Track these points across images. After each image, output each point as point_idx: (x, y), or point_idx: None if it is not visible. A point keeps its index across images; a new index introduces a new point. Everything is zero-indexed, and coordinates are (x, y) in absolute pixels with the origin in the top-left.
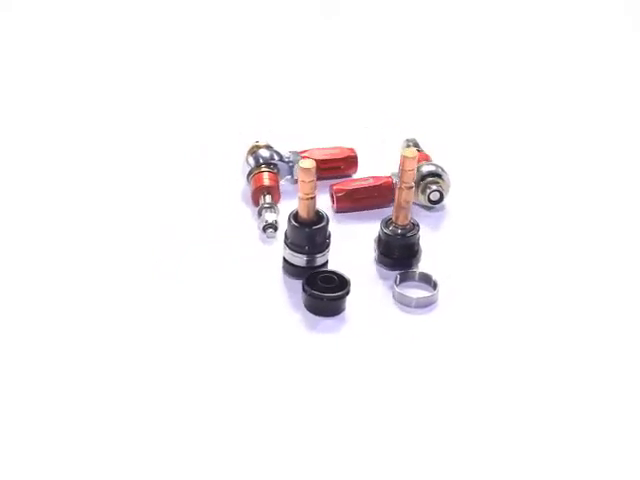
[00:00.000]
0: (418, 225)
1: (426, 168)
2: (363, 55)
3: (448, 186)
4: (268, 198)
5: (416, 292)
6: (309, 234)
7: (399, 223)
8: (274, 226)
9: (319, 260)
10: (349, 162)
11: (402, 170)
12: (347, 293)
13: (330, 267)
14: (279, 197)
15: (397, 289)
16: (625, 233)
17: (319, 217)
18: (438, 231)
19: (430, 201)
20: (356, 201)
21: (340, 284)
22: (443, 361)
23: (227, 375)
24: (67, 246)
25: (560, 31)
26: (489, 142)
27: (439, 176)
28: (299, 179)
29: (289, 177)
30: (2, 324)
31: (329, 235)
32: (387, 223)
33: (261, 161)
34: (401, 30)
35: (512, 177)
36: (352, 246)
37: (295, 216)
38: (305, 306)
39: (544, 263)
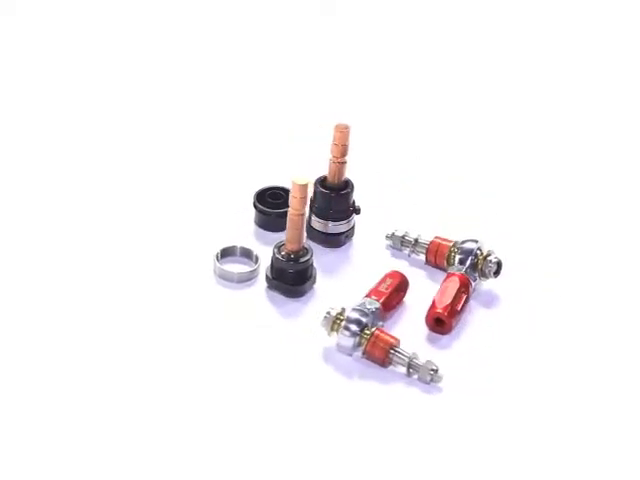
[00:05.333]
0: (311, 250)
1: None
2: (364, 55)
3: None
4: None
5: (238, 267)
6: (334, 199)
7: (290, 249)
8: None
9: (342, 227)
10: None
11: (292, 197)
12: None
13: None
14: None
15: (218, 264)
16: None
17: (345, 184)
18: None
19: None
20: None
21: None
22: (265, 332)
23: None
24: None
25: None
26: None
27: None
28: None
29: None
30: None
31: (354, 203)
32: (280, 248)
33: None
34: (400, 29)
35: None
36: None
37: (322, 181)
38: (255, 222)
39: None
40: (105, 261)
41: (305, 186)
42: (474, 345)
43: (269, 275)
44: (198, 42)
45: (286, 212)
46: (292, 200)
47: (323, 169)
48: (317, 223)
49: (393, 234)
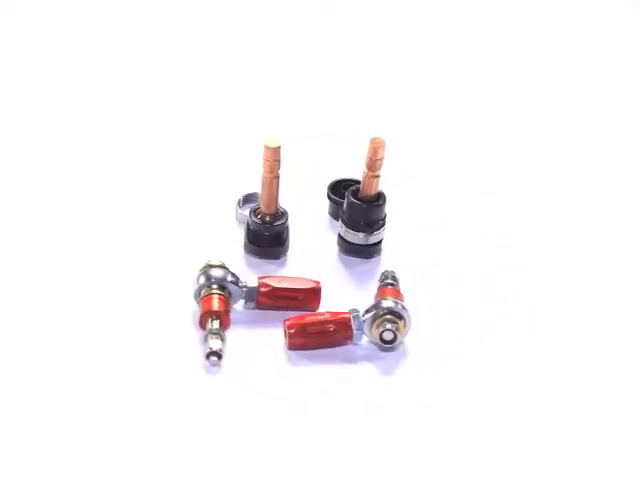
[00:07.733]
0: (287, 214)
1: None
2: (364, 55)
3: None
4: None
5: None
6: (366, 211)
7: (266, 212)
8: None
9: (373, 238)
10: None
11: (265, 160)
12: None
13: None
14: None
15: (240, 210)
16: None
17: (378, 196)
18: None
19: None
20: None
21: None
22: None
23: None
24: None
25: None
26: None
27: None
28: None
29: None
30: None
31: (385, 216)
32: (255, 212)
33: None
34: (400, 29)
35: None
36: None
37: (355, 193)
38: (329, 213)
39: None
40: (130, 211)
41: (277, 149)
42: (319, 365)
43: (245, 238)
44: (198, 42)
45: None
46: (265, 163)
47: (323, 169)
48: (348, 234)
49: (386, 270)
